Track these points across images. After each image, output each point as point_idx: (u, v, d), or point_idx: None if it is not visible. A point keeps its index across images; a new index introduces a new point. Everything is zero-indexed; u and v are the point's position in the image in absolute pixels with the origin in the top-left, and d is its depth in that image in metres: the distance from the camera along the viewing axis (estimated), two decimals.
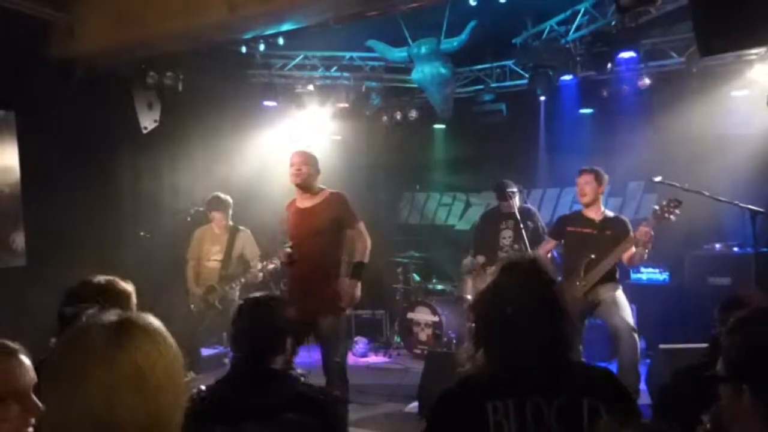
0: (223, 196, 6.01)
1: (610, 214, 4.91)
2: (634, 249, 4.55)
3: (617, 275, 4.79)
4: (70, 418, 1.07)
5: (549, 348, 1.74)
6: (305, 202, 4.40)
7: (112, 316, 1.15)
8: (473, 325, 1.85)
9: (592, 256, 4.58)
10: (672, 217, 4.42)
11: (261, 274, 5.44)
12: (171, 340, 1.17)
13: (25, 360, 1.50)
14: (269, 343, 2.23)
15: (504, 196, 5.74)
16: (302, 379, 2.26)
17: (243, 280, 5.69)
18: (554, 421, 1.66)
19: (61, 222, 5.54)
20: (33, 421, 1.45)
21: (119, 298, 2.22)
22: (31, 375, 1.49)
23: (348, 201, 4.42)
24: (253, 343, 2.22)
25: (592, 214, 4.83)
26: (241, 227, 6.04)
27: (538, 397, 1.68)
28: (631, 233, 4.57)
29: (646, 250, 4.53)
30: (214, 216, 6.00)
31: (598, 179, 4.81)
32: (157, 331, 1.15)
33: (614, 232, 4.67)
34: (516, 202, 5.76)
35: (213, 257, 5.97)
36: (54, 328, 2.19)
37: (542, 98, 7.02)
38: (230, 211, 6.05)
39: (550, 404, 1.67)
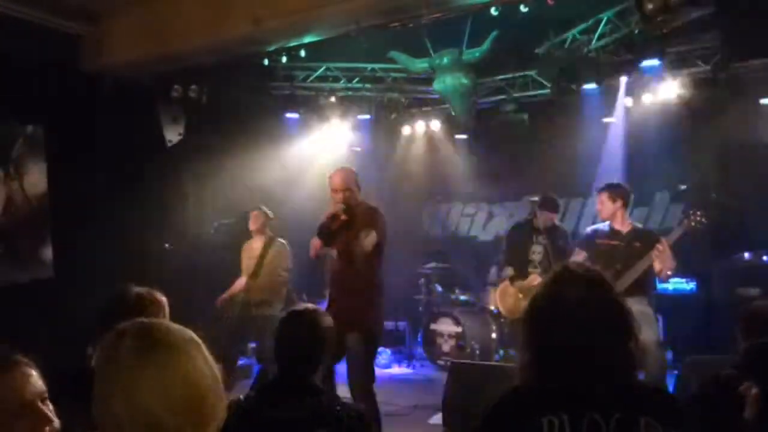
0: (261, 209, 5.94)
1: (639, 226, 4.89)
2: (659, 263, 4.49)
3: (646, 288, 4.73)
4: (125, 418, 1.14)
5: (613, 365, 1.65)
6: (348, 215, 4.30)
7: (159, 324, 1.24)
8: (527, 333, 1.74)
9: (618, 267, 4.53)
10: (699, 226, 4.36)
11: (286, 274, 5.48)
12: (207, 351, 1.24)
13: (31, 372, 1.48)
14: (308, 356, 2.25)
15: (552, 209, 5.71)
16: (338, 396, 2.27)
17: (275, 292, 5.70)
18: None
19: (88, 234, 5.62)
20: (48, 430, 1.44)
21: (154, 309, 2.24)
22: (38, 386, 1.47)
23: (382, 217, 4.31)
24: (293, 355, 2.25)
25: (620, 226, 4.80)
26: (279, 239, 5.91)
27: (595, 414, 1.60)
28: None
29: (669, 266, 4.47)
30: (252, 229, 5.94)
31: (613, 197, 4.80)
32: (197, 341, 1.23)
33: (643, 244, 4.62)
34: (555, 218, 5.78)
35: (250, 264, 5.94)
36: (83, 337, 2.22)
37: (565, 108, 6.97)
38: (267, 223, 5.95)
39: (607, 422, 1.59)
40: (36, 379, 1.48)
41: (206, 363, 1.21)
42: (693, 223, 4.38)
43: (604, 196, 4.83)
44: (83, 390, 1.96)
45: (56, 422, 1.44)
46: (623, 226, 4.80)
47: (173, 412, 1.13)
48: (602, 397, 1.62)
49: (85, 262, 5.50)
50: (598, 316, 1.67)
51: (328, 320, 2.40)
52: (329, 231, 4.21)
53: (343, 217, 4.28)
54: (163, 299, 2.29)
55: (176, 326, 1.25)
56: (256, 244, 5.86)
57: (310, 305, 2.52)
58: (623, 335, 1.68)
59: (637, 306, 4.50)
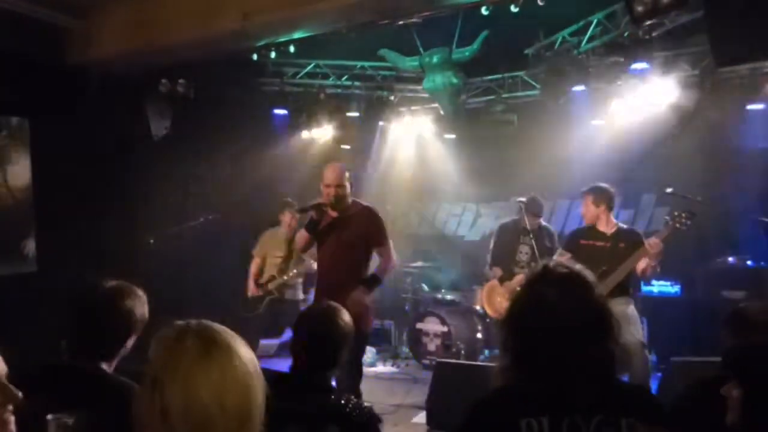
0: (290, 199, 6.25)
1: (624, 226, 4.93)
2: (645, 261, 4.53)
3: (630, 289, 4.77)
4: (178, 412, 1.19)
5: (593, 366, 1.64)
6: (342, 212, 4.30)
7: (217, 326, 1.31)
8: (507, 335, 1.73)
9: (604, 268, 4.55)
10: (684, 227, 4.40)
11: (313, 263, 5.54)
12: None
13: None
14: (325, 354, 2.26)
15: (537, 211, 5.74)
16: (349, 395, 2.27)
17: (295, 270, 6.08)
18: None
19: (73, 229, 5.57)
20: (11, 407, 1.44)
21: (132, 302, 2.21)
22: (2, 366, 1.46)
23: (380, 218, 4.34)
24: (310, 352, 2.26)
25: (604, 227, 4.84)
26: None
27: (576, 417, 1.59)
28: (645, 245, 4.55)
29: (657, 262, 4.51)
30: (282, 219, 6.28)
31: (597, 200, 4.86)
32: (243, 342, 1.31)
33: (627, 244, 4.66)
34: (541, 219, 5.81)
35: (277, 254, 6.23)
36: (61, 331, 2.20)
37: (554, 109, 6.99)
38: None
39: (588, 424, 1.58)
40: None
41: (255, 367, 1.28)
42: (678, 225, 4.42)
43: (588, 200, 4.89)
44: (54, 382, 1.93)
45: (20, 396, 1.44)
46: (608, 227, 4.84)
47: (224, 409, 1.20)
48: (583, 399, 1.60)
49: (68, 256, 5.45)
50: (576, 316, 1.65)
51: (347, 317, 2.39)
52: (317, 222, 4.20)
53: (331, 212, 4.26)
54: (141, 293, 2.26)
55: (224, 327, 1.31)
56: (284, 230, 6.23)
57: (329, 303, 2.50)
58: (603, 335, 1.67)
59: (621, 307, 4.53)
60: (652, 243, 4.43)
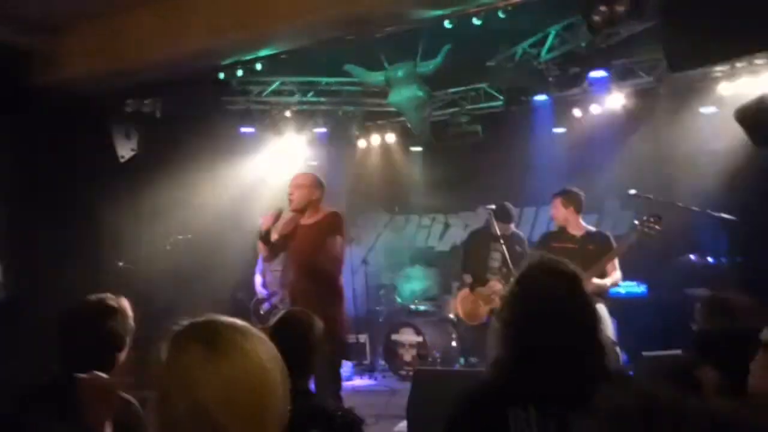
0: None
1: (592, 229, 5.08)
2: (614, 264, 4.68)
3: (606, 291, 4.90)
4: (185, 418, 1.13)
5: (582, 356, 1.68)
6: (308, 219, 4.39)
7: (226, 323, 1.22)
8: (503, 322, 1.76)
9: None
10: (652, 232, 4.54)
11: None
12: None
13: None
14: (297, 364, 2.26)
15: (507, 219, 5.84)
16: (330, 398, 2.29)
17: None
18: (578, 430, 1.61)
19: (39, 255, 5.45)
20: None
21: (117, 315, 2.21)
22: None
23: (338, 217, 4.40)
24: (290, 359, 2.26)
25: (574, 230, 4.98)
26: None
27: (562, 406, 1.63)
28: (613, 246, 4.69)
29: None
30: None
31: (566, 203, 5.01)
32: (260, 336, 1.24)
33: (596, 246, 4.79)
34: (512, 225, 5.91)
35: (276, 268, 6.13)
36: (31, 357, 2.18)
37: (517, 119, 7.17)
38: None
39: (573, 411, 1.61)
40: None
41: (271, 360, 1.20)
42: (646, 230, 4.55)
43: (558, 202, 5.02)
44: (52, 397, 1.92)
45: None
46: (577, 229, 4.98)
47: (235, 414, 1.12)
48: (570, 389, 1.63)
49: (36, 282, 5.34)
50: (570, 305, 1.71)
51: (319, 324, 2.41)
52: (267, 232, 4.25)
53: (301, 220, 4.30)
54: (126, 304, 2.26)
55: (240, 322, 1.23)
56: None
57: (300, 309, 2.53)
58: (592, 326, 1.73)
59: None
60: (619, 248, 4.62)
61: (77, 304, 2.34)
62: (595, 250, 4.76)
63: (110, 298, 2.29)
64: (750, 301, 2.65)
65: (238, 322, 1.23)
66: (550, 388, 1.65)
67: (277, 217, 4.28)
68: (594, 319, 1.75)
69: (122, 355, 2.19)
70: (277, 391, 1.18)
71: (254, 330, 1.23)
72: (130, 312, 2.26)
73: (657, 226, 4.53)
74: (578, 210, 5.03)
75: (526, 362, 1.69)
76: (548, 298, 1.71)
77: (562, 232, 5.04)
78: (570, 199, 5.00)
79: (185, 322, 1.23)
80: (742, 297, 2.69)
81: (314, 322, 2.39)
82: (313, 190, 4.39)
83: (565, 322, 1.69)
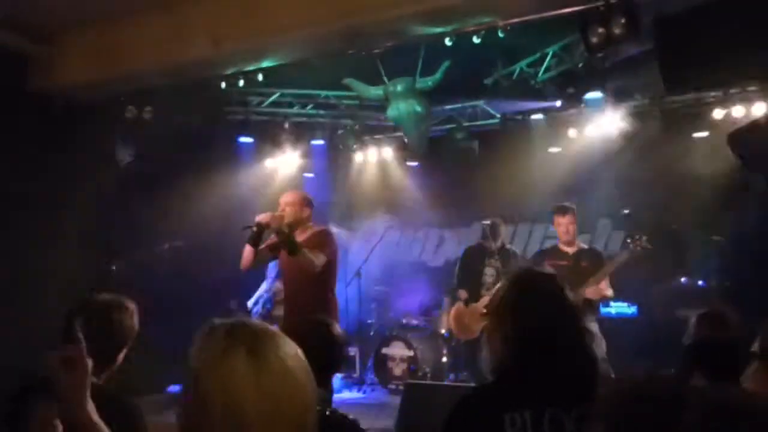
0: None
1: (584, 245, 5.12)
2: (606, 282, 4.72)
3: (594, 308, 4.93)
4: (219, 419, 1.09)
5: (574, 360, 1.74)
6: (298, 237, 4.38)
7: (256, 324, 1.19)
8: (493, 334, 1.81)
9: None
10: (643, 251, 4.60)
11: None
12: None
13: None
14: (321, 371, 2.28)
15: (495, 235, 5.88)
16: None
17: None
18: None
19: (29, 257, 5.46)
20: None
21: (122, 315, 2.23)
22: None
23: (326, 233, 4.52)
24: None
25: (567, 247, 5.02)
26: None
27: (556, 409, 1.66)
28: (605, 263, 4.74)
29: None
30: None
31: (576, 217, 5.06)
32: (287, 339, 1.20)
33: (589, 263, 4.84)
34: (503, 241, 5.94)
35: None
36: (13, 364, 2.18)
37: (513, 137, 7.23)
38: None
39: (569, 416, 1.66)
40: None
41: (307, 373, 1.16)
42: (638, 248, 4.61)
43: (573, 217, 5.05)
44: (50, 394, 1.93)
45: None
46: (571, 247, 5.02)
47: (266, 414, 1.09)
48: (563, 392, 1.68)
49: (23, 286, 5.34)
50: (565, 309, 1.78)
51: (338, 329, 2.44)
52: (256, 235, 4.25)
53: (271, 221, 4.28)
54: (131, 305, 2.28)
55: (271, 327, 1.20)
56: None
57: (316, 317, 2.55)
58: (582, 331, 1.81)
59: (590, 324, 4.69)
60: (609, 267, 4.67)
61: (89, 296, 2.36)
62: (588, 267, 4.81)
63: (117, 298, 2.30)
64: (741, 317, 2.71)
65: (269, 326, 1.20)
66: (547, 391, 1.68)
67: (277, 219, 4.26)
68: (579, 322, 1.82)
69: (121, 355, 2.20)
70: (313, 407, 1.15)
71: (284, 335, 1.19)
72: (136, 314, 2.28)
73: (648, 245, 4.59)
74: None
75: (524, 366, 1.73)
76: (546, 302, 1.77)
77: (556, 250, 5.10)
78: (574, 213, 5.07)
79: (220, 322, 1.17)
80: (734, 313, 2.75)
81: (334, 329, 2.41)
82: (302, 208, 4.47)
83: (561, 326, 1.75)
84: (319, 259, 4.25)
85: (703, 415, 1.18)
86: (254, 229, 4.25)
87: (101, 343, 2.13)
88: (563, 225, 5.05)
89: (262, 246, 4.39)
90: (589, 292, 4.72)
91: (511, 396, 1.70)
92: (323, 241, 4.43)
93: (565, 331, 1.75)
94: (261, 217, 4.24)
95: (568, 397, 1.68)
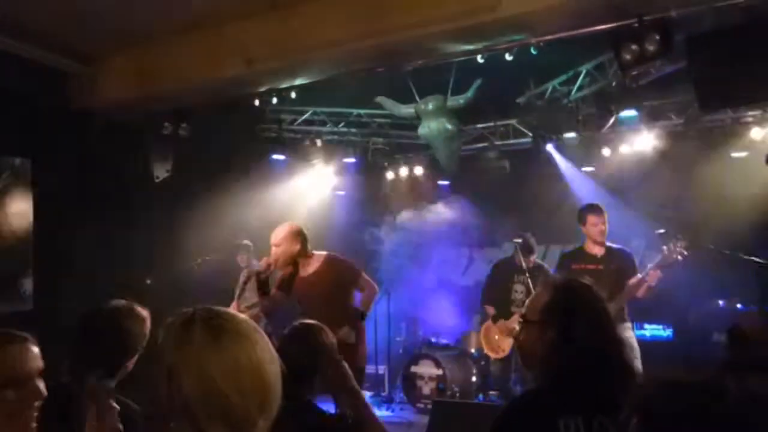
0: (246, 241, 6.81)
1: (614, 246, 4.95)
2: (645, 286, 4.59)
3: (627, 314, 4.79)
4: (196, 399, 1.16)
5: (621, 369, 1.79)
6: (306, 270, 4.34)
7: (226, 312, 1.27)
8: (535, 340, 1.84)
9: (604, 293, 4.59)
10: (679, 257, 4.46)
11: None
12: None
13: (32, 348, 1.61)
14: (299, 374, 2.27)
15: (527, 251, 5.81)
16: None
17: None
18: None
19: (71, 268, 5.59)
20: (37, 404, 1.55)
21: (134, 322, 2.26)
22: (37, 363, 1.59)
23: (343, 259, 4.44)
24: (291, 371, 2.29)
25: (595, 249, 4.87)
26: None
27: (602, 416, 1.70)
28: (637, 269, 4.62)
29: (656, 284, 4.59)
30: (240, 261, 6.76)
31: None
32: (261, 332, 1.28)
33: (619, 265, 4.71)
34: (535, 258, 5.88)
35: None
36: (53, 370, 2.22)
37: (545, 156, 7.18)
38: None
39: (613, 422, 1.69)
40: (36, 355, 1.60)
41: (270, 353, 1.24)
42: (674, 255, 4.48)
43: (606, 217, 4.92)
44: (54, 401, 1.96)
45: (44, 395, 1.53)
46: (599, 249, 4.88)
47: (242, 394, 1.16)
48: (608, 399, 1.72)
49: (65, 296, 5.45)
50: (608, 321, 1.85)
51: (328, 336, 2.41)
52: (264, 282, 4.28)
53: (301, 272, 4.31)
54: (143, 313, 2.30)
55: (241, 315, 1.28)
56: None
57: (306, 322, 2.54)
58: (623, 342, 1.88)
59: (627, 333, 4.58)
60: (652, 275, 4.50)
61: (100, 307, 2.39)
62: (617, 270, 4.70)
63: (128, 305, 2.33)
64: None
65: (239, 314, 1.28)
66: (597, 398, 1.73)
67: (268, 271, 4.27)
68: (622, 338, 1.89)
69: (131, 363, 2.22)
70: (277, 384, 1.22)
71: (254, 323, 1.27)
72: (148, 322, 2.30)
73: (684, 251, 4.45)
74: None
75: (578, 372, 1.76)
76: (591, 311, 1.82)
77: (583, 252, 4.94)
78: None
79: (188, 310, 1.26)
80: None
81: (319, 335, 2.39)
82: (291, 244, 4.30)
83: (609, 332, 1.82)
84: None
85: (740, 401, 1.16)
86: (257, 279, 4.27)
87: (109, 348, 2.15)
88: (599, 225, 4.84)
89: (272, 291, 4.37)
90: (641, 292, 4.57)
91: (565, 401, 1.72)
92: (346, 264, 4.38)
93: (611, 342, 1.81)
94: (259, 267, 4.30)
95: (613, 405, 1.72)
